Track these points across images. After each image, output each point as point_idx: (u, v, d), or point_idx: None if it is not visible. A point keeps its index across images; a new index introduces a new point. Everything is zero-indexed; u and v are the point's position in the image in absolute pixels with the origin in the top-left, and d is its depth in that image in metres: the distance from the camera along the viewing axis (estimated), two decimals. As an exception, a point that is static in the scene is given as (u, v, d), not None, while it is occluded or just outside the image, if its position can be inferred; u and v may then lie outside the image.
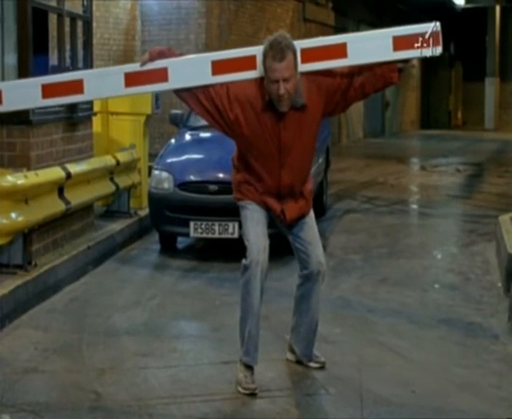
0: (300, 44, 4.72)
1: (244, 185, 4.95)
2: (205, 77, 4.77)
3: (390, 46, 4.65)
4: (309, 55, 4.70)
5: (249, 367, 4.87)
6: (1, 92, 5.00)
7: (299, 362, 5.22)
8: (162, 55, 4.83)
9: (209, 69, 4.75)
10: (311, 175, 5.21)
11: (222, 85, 4.76)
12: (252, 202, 4.92)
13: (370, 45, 4.74)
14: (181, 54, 4.96)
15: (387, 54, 4.70)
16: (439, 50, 4.64)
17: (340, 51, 4.68)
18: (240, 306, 4.90)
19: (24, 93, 5.08)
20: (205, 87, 4.77)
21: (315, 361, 5.20)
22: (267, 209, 4.93)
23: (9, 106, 5.15)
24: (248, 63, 4.73)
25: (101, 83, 4.96)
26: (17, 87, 5.39)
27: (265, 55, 4.63)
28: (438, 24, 4.64)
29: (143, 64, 4.80)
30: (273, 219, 5.01)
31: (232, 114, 4.75)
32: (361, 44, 4.75)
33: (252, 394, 4.77)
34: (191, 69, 4.81)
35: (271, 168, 4.83)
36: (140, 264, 8.29)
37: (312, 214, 5.12)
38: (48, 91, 4.97)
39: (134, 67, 4.94)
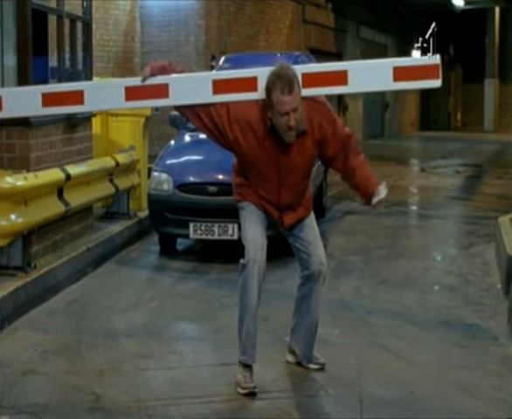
0: (301, 69, 4.73)
1: (244, 188, 4.97)
2: (206, 95, 4.78)
3: (390, 76, 4.68)
4: (310, 80, 4.71)
5: (247, 367, 4.87)
6: (1, 98, 5.02)
7: (299, 364, 5.22)
8: (162, 71, 4.84)
9: (210, 88, 4.76)
10: (310, 182, 5.20)
11: (223, 104, 4.75)
12: (251, 203, 4.93)
13: (370, 74, 4.78)
14: (182, 70, 4.97)
15: (387, 84, 4.76)
16: (438, 82, 4.68)
17: (340, 78, 4.71)
18: (238, 305, 4.92)
19: (25, 101, 5.11)
20: (206, 105, 4.78)
21: (315, 363, 5.20)
22: (266, 212, 4.95)
23: (9, 113, 5.19)
24: (249, 84, 4.73)
25: (102, 95, 4.99)
26: (17, 94, 5.41)
27: (271, 87, 4.57)
28: (438, 56, 4.72)
29: (144, 79, 4.81)
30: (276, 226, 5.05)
31: (232, 135, 4.75)
32: (361, 72, 4.79)
33: (252, 393, 4.77)
34: (192, 87, 4.83)
35: (270, 187, 4.86)
36: (139, 266, 8.28)
37: (312, 215, 5.13)
38: (48, 100, 4.99)
39: (134, 81, 4.97)
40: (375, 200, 4.77)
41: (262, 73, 4.68)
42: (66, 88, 5.26)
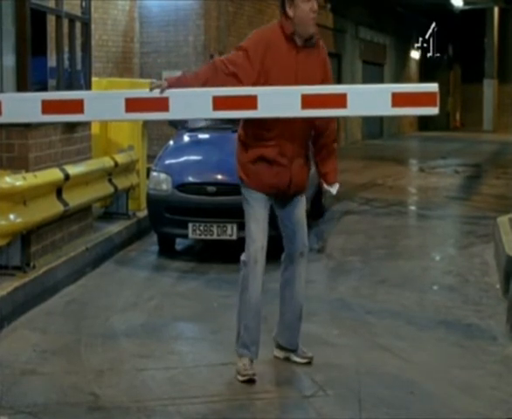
0: (301, 91, 4.75)
1: (251, 168, 4.99)
2: (206, 111, 4.83)
3: (389, 102, 4.71)
4: (309, 101, 4.75)
5: (247, 357, 4.96)
6: (1, 103, 5.03)
7: (287, 359, 5.25)
8: (179, 83, 4.81)
9: (210, 104, 4.78)
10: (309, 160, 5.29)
11: (238, 54, 4.82)
12: (257, 191, 4.98)
13: (369, 99, 4.83)
14: (196, 74, 4.92)
15: (386, 109, 4.81)
16: (435, 110, 4.73)
17: (340, 101, 4.75)
18: (238, 301, 5.04)
19: (24, 107, 5.13)
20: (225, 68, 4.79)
21: (303, 357, 5.24)
22: (272, 190, 4.99)
23: (8, 118, 5.22)
24: (249, 102, 4.76)
25: (102, 105, 5.01)
26: (17, 100, 5.43)
27: None
28: (435, 85, 4.75)
29: (162, 91, 4.78)
30: (273, 205, 5.11)
31: (259, 66, 4.81)
32: (361, 96, 4.83)
33: (251, 381, 4.86)
34: (193, 102, 4.84)
35: (285, 135, 4.91)
36: (138, 266, 8.28)
37: (304, 198, 5.24)
38: (48, 107, 5.01)
39: (135, 93, 5.02)
40: (332, 191, 5.27)
41: (262, 92, 4.71)
42: (67, 96, 5.29)
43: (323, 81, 4.99)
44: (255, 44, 4.86)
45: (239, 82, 4.78)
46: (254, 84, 4.80)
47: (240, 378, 4.90)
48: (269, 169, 4.95)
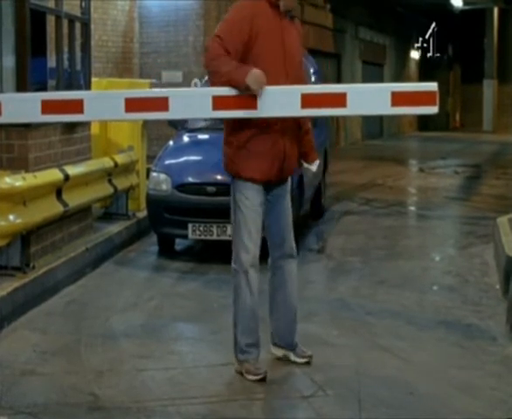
0: (301, 90, 4.76)
1: (244, 152, 4.91)
2: (205, 111, 4.83)
3: (388, 101, 4.72)
4: (309, 100, 4.76)
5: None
6: (0, 103, 5.03)
7: (285, 357, 5.25)
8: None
9: (209, 103, 4.77)
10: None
11: (224, 25, 5.12)
12: (252, 182, 4.91)
13: (369, 98, 4.83)
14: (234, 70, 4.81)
15: (385, 108, 4.83)
16: (435, 109, 4.73)
17: (340, 100, 4.75)
18: (233, 306, 5.04)
19: (24, 107, 5.13)
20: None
21: (302, 356, 5.23)
22: (268, 174, 4.93)
23: (8, 119, 5.23)
24: (249, 102, 4.75)
25: (101, 105, 5.01)
26: (17, 100, 5.43)
27: None
28: (435, 84, 4.75)
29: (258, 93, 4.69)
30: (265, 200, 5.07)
31: (251, 33, 4.87)
32: (360, 95, 4.84)
33: (263, 379, 4.88)
34: (192, 101, 4.84)
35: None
36: (138, 267, 8.28)
37: (289, 198, 5.21)
38: (48, 107, 5.01)
39: (135, 93, 5.06)
40: (312, 168, 5.35)
41: (261, 92, 4.72)
42: (66, 96, 5.30)
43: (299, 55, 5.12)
44: (240, 11, 5.03)
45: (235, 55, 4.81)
46: (245, 45, 4.84)
47: (252, 377, 4.90)
48: (263, 141, 4.87)
